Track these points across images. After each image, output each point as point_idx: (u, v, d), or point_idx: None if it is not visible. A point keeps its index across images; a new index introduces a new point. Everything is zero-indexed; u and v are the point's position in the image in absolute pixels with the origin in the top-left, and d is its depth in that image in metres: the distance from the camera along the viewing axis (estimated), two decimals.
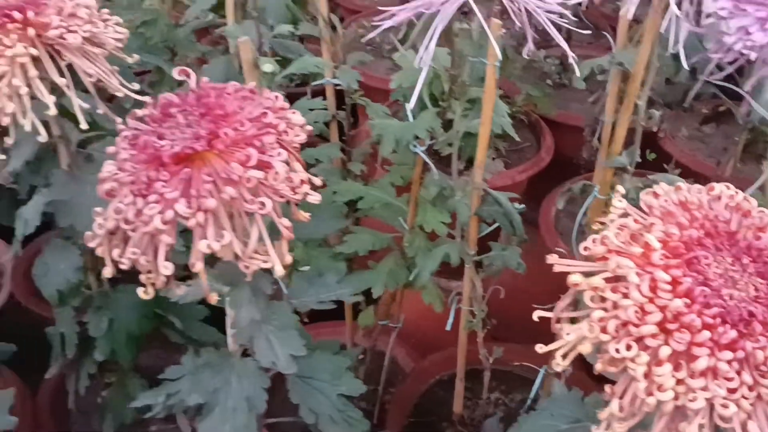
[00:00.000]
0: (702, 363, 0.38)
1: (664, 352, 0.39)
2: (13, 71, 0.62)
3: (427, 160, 0.76)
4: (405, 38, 0.96)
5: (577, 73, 0.71)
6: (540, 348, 0.45)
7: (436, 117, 0.73)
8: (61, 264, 0.78)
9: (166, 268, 0.49)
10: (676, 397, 0.38)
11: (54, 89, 0.66)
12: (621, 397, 0.41)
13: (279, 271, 0.52)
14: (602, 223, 0.48)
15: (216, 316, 0.93)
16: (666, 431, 0.40)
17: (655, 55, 0.66)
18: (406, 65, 0.74)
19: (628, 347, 0.40)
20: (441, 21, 0.61)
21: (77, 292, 0.81)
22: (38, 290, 1.17)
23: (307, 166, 0.55)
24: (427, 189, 0.76)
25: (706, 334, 0.39)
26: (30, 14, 0.64)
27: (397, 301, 0.91)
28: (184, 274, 0.55)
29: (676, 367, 0.39)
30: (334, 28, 0.89)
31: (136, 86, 0.71)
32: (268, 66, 0.70)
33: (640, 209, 0.47)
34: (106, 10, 0.71)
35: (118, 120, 0.72)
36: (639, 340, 0.40)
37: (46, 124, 0.67)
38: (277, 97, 0.55)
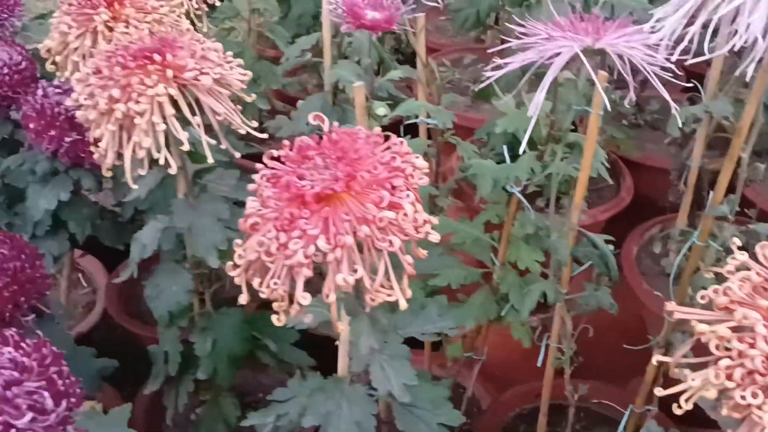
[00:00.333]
0: None
1: None
2: (152, 109, 0.68)
3: (523, 200, 0.79)
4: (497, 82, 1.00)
5: (679, 123, 0.73)
6: (659, 391, 0.48)
7: (536, 160, 0.76)
8: (173, 286, 0.83)
9: (305, 299, 0.53)
10: None
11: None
12: None
13: (403, 305, 0.55)
14: (716, 273, 0.51)
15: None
16: None
17: (760, 111, 0.68)
18: (508, 111, 0.77)
19: (754, 395, 0.42)
20: (552, 73, 0.65)
21: (185, 313, 0.86)
22: (130, 308, 1.24)
23: None
24: (523, 227, 0.79)
25: None
26: (168, 57, 0.69)
27: (482, 335, 0.94)
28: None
29: None
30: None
31: (255, 123, 0.76)
32: (382, 110, 0.75)
33: (755, 259, 0.49)
34: (230, 53, 0.77)
35: (238, 155, 0.78)
36: (765, 388, 0.42)
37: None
38: (402, 142, 0.59)
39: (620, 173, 1.23)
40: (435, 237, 0.57)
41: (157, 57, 0.69)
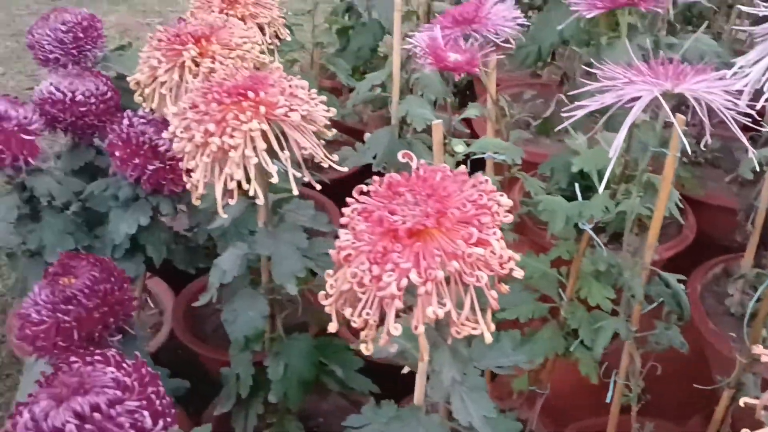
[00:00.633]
0: None
1: None
2: (246, 143, 0.71)
3: (595, 237, 0.81)
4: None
5: (755, 165, 0.74)
6: None
7: (609, 198, 0.77)
8: (250, 311, 0.86)
9: (396, 330, 0.55)
10: None
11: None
12: None
13: (488, 338, 0.57)
14: None
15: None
16: None
17: None
18: (581, 150, 0.79)
19: None
20: (632, 116, 0.66)
21: (259, 337, 0.89)
22: (196, 329, 1.28)
23: None
24: (594, 264, 0.80)
25: None
26: (261, 94, 0.73)
27: (547, 369, 0.95)
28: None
29: None
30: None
31: (336, 157, 0.79)
32: (460, 147, 0.77)
33: None
34: (314, 90, 0.80)
35: (318, 186, 0.81)
36: None
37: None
38: (487, 180, 0.61)
39: (683, 211, 1.23)
40: (519, 273, 0.59)
41: (250, 94, 0.73)
